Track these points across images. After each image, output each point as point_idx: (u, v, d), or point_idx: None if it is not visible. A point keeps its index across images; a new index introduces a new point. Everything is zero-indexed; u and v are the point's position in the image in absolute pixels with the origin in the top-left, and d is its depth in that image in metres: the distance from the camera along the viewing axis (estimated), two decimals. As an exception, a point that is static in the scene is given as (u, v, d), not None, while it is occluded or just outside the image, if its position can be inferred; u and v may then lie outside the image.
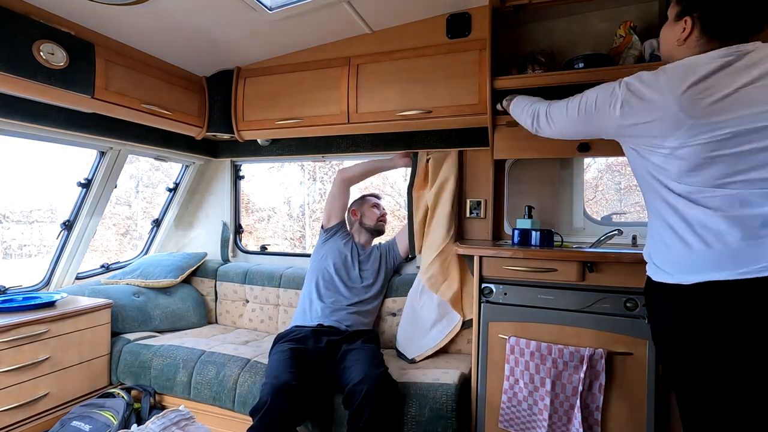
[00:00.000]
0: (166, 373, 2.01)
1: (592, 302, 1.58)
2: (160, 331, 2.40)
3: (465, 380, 1.77)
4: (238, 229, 2.92)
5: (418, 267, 2.36)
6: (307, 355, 1.78)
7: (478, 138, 2.15)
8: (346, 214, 2.37)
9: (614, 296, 1.56)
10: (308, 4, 1.90)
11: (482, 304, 1.73)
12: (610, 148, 1.77)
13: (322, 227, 2.33)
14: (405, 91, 2.11)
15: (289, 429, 1.54)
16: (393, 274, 2.35)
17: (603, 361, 1.52)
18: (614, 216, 2.42)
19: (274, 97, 2.39)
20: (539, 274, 1.64)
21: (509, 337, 1.65)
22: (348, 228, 2.37)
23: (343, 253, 2.23)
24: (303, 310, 2.14)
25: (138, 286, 2.48)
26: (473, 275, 1.76)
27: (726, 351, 0.96)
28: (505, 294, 1.70)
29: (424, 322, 2.07)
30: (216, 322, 2.70)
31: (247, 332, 2.48)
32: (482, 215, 2.23)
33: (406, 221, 2.30)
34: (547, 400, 1.56)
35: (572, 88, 1.83)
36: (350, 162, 2.43)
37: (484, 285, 1.73)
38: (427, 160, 2.24)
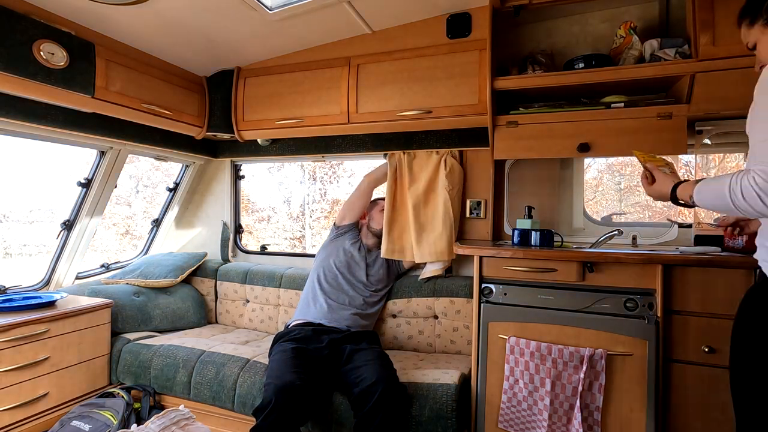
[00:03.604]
0: (165, 373, 2.02)
1: (592, 302, 1.58)
2: (160, 331, 2.40)
3: (465, 380, 1.77)
4: (238, 229, 2.92)
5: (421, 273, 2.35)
6: (309, 354, 1.78)
7: (478, 138, 2.16)
8: None
9: (614, 296, 1.56)
10: (308, 4, 1.90)
11: (482, 305, 1.73)
12: (610, 148, 1.78)
13: (334, 224, 2.34)
14: (405, 91, 2.11)
15: (292, 429, 1.53)
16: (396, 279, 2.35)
17: (603, 361, 1.52)
18: (614, 216, 2.42)
19: (274, 97, 2.39)
20: (539, 274, 1.64)
21: (509, 338, 1.65)
22: (358, 230, 2.38)
23: (348, 252, 2.23)
24: (307, 304, 2.13)
25: (138, 285, 2.48)
26: (473, 275, 1.77)
27: None
28: (505, 294, 1.70)
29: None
30: (216, 322, 2.70)
31: (247, 332, 2.48)
32: (482, 215, 2.23)
33: None
34: (547, 401, 1.56)
35: (572, 88, 1.84)
36: (359, 162, 2.43)
37: (484, 285, 1.73)
38: (389, 158, 2.30)
